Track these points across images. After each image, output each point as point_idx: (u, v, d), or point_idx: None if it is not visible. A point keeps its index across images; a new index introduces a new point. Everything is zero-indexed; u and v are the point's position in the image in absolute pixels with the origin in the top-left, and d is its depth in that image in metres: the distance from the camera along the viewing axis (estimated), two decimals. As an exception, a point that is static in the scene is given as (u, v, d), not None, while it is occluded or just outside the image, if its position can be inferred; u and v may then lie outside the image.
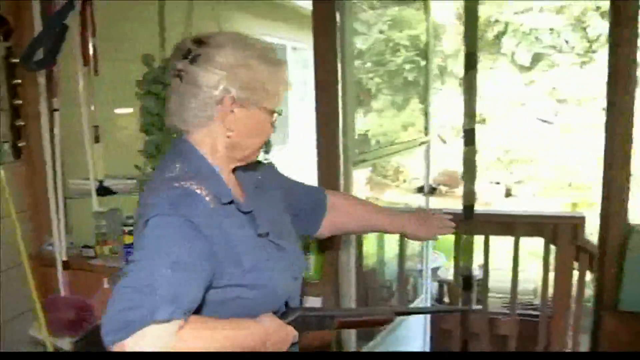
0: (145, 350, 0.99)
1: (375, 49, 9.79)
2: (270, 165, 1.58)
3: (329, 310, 1.68)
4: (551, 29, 9.29)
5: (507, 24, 9.42)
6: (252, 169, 1.40)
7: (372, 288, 3.67)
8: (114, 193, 2.70)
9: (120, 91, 2.78)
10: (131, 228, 2.46)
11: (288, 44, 6.06)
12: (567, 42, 9.38)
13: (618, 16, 2.12)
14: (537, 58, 9.93)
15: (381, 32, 9.38)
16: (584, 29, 9.18)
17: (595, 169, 8.74)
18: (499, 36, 9.49)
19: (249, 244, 1.23)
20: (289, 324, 1.28)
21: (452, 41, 9.83)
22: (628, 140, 2.15)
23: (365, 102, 10.33)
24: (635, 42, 2.10)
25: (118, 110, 3.32)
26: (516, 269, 3.04)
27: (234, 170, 1.32)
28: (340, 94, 2.38)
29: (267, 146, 2.24)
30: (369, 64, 10.16)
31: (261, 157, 1.68)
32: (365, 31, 8.23)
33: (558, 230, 3.04)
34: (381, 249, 3.52)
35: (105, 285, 2.51)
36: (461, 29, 10.20)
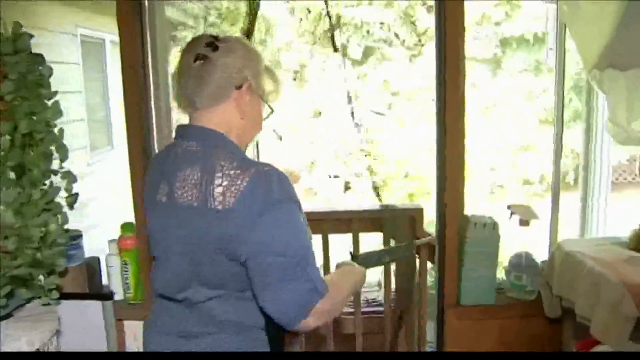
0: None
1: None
2: None
3: (380, 250, 1.90)
4: (382, 23, 9.48)
5: (338, 18, 9.48)
6: None
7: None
8: None
9: None
10: None
11: (107, 37, 5.48)
12: (397, 35, 9.63)
13: (444, 10, 2.02)
14: (368, 52, 10.11)
15: (211, 25, 9.03)
16: (413, 22, 9.48)
17: (428, 159, 9.11)
18: (328, 30, 9.52)
19: None
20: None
21: (285, 35, 9.71)
22: (460, 132, 2.06)
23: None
24: (463, 35, 2.02)
25: None
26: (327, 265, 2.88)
27: None
28: (152, 91, 2.16)
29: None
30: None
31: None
32: (193, 24, 7.86)
33: (396, 223, 2.95)
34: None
35: None
36: (294, 23, 10.25)
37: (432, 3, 9.39)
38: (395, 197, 8.72)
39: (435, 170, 2.16)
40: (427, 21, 9.53)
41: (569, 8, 1.98)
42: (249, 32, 3.17)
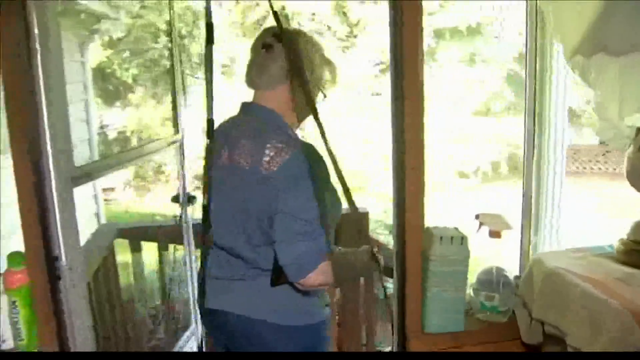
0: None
1: (133, 36, 8.86)
2: None
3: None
4: (313, 14, 9.17)
5: (268, 9, 9.07)
6: None
7: (132, 322, 3.06)
8: None
9: None
10: None
11: None
12: (329, 27, 9.35)
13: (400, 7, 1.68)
14: (300, 44, 9.76)
15: (138, 16, 8.46)
16: (344, 13, 9.22)
17: (364, 153, 8.89)
18: (260, 21, 9.12)
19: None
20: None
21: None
22: (420, 134, 1.73)
23: (122, 95, 9.34)
24: (421, 24, 1.69)
25: None
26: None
27: None
28: (43, 94, 1.70)
29: None
30: (127, 53, 9.20)
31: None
32: (115, 15, 7.31)
33: (341, 227, 2.65)
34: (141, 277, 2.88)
35: None
36: (223, 13, 9.77)
37: (364, -7, 9.30)
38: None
39: (392, 177, 1.82)
40: (359, 12, 9.30)
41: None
42: (170, 24, 2.77)
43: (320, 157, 1.59)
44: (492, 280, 1.90)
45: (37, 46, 1.72)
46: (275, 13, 1.77)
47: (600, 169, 12.58)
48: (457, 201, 8.87)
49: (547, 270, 1.71)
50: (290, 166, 1.54)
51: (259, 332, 1.69)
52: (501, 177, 10.89)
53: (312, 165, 1.55)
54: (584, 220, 7.53)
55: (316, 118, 1.58)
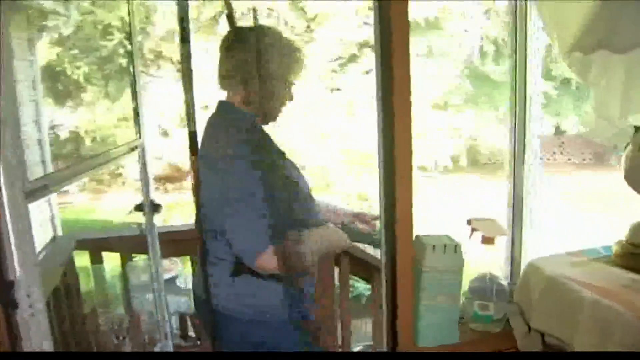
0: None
1: (83, 33, 8.50)
2: None
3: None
4: (270, 9, 8.98)
5: (223, 4, 8.84)
6: None
7: (95, 339, 2.88)
8: None
9: None
10: None
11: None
12: (286, 22, 9.17)
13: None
14: (257, 39, 9.57)
15: (88, 12, 8.12)
16: (302, 8, 9.06)
17: (326, 148, 8.77)
18: (216, 17, 8.88)
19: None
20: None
21: (167, 23, 8.94)
22: (409, 140, 1.60)
23: (74, 94, 8.98)
24: (408, 17, 1.56)
25: None
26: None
27: None
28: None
29: None
30: (77, 51, 8.83)
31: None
32: (64, 11, 6.99)
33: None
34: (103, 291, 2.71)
35: None
36: (174, 8, 9.48)
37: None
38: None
39: (379, 185, 1.69)
40: (317, 6, 9.16)
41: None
42: (129, 21, 2.60)
43: (264, 144, 1.74)
44: (486, 288, 1.81)
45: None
46: (229, 14, 1.77)
47: (556, 159, 12.80)
48: (420, 195, 8.85)
49: (546, 277, 1.62)
50: (231, 154, 1.65)
51: (217, 320, 1.80)
52: (462, 170, 10.97)
53: (255, 153, 1.66)
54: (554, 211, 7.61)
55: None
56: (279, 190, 1.69)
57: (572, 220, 8.68)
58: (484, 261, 2.01)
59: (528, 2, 1.87)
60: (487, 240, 1.75)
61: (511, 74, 1.96)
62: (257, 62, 1.77)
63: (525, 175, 1.96)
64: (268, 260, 1.63)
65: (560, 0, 1.53)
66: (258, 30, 1.81)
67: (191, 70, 1.50)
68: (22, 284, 1.56)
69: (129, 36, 2.64)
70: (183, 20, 1.46)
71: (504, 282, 1.84)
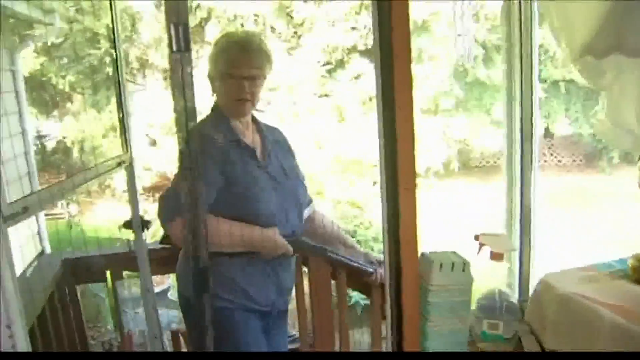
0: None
1: (69, 42, 8.38)
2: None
3: (324, 246, 2.14)
4: (256, 15, 8.89)
5: (210, 10, 8.75)
6: (273, 130, 2.15)
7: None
8: None
9: None
10: None
11: None
12: (273, 29, 9.08)
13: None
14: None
15: (74, 21, 8.00)
16: (289, 14, 8.98)
17: (316, 155, 8.68)
18: (202, 23, 8.78)
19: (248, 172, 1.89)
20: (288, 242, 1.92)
21: (153, 31, 8.83)
22: (413, 149, 1.51)
23: (59, 104, 8.85)
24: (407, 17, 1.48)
25: None
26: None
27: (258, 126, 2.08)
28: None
29: None
30: (64, 60, 8.70)
31: None
32: (51, 21, 6.86)
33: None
34: (92, 312, 2.58)
35: None
36: (161, 16, 9.36)
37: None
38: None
39: (382, 198, 1.59)
40: (304, 12, 9.08)
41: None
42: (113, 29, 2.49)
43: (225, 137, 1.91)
44: (495, 306, 1.72)
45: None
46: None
47: (546, 161, 12.78)
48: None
49: (560, 296, 1.54)
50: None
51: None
52: (453, 175, 10.90)
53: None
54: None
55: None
56: (224, 179, 1.84)
57: (570, 224, 8.66)
58: (485, 274, 1.93)
59: (522, 3, 1.81)
60: (496, 257, 1.66)
61: (507, 76, 1.90)
62: (210, 64, 2.02)
63: (530, 183, 1.88)
64: (177, 227, 1.75)
65: (569, 2, 1.45)
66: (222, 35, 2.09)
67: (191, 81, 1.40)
68: (2, 315, 1.46)
69: (114, 44, 2.54)
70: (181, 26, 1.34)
71: (514, 299, 1.75)
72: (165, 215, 1.82)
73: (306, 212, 2.18)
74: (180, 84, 1.40)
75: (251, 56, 1.94)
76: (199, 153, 1.65)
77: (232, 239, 1.81)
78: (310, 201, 2.22)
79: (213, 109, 2.03)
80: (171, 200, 1.80)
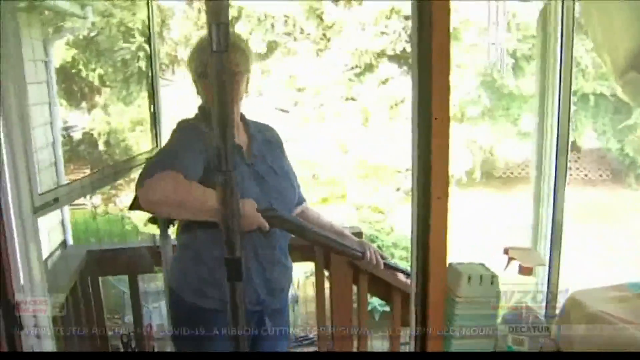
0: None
1: (104, 35, 8.47)
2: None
3: (307, 224, 2.08)
4: (286, 16, 8.92)
5: (240, 10, 8.81)
6: (266, 129, 2.15)
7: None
8: None
9: None
10: None
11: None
12: (302, 30, 9.11)
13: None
14: (272, 46, 9.55)
15: (108, 14, 8.09)
16: (319, 16, 9.00)
17: (339, 158, 8.68)
18: (232, 21, 8.84)
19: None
20: (264, 216, 1.85)
21: (184, 27, 8.92)
22: (446, 159, 1.50)
23: (88, 97, 8.96)
24: (449, 24, 1.46)
25: None
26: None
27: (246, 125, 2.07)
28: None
29: None
30: (94, 53, 8.79)
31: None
32: (80, 13, 6.95)
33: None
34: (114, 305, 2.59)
35: None
36: (191, 12, 9.44)
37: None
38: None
39: (412, 207, 1.58)
40: (334, 14, 9.09)
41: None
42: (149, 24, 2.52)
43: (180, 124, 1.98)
44: (521, 321, 1.69)
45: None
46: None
47: (571, 175, 12.61)
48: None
49: (589, 314, 1.51)
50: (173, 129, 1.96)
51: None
52: (475, 184, 10.83)
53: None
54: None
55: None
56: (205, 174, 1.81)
57: (595, 240, 8.54)
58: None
59: (563, 15, 1.79)
60: (525, 271, 1.64)
61: (540, 87, 1.88)
62: (189, 66, 2.04)
63: (563, 198, 1.85)
64: (154, 185, 1.72)
65: (614, 18, 1.42)
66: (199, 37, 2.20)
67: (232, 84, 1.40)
68: (29, 304, 1.48)
69: (149, 39, 2.56)
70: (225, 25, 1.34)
71: (541, 315, 1.72)
72: (144, 174, 1.76)
73: (298, 209, 2.17)
74: (219, 83, 1.40)
75: (228, 54, 1.92)
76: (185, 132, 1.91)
77: (204, 205, 1.73)
78: (303, 200, 2.21)
79: (199, 109, 2.02)
80: (152, 165, 1.79)
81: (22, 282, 1.47)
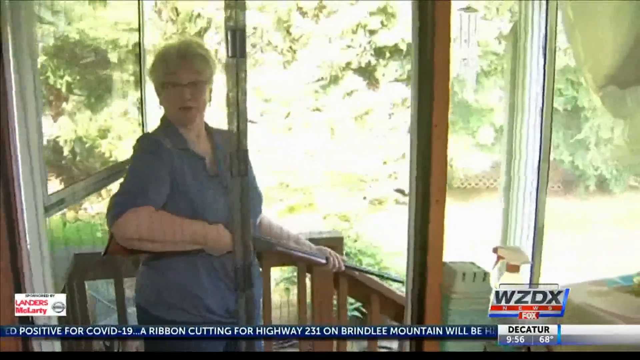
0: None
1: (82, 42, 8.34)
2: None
3: (273, 240, 2.15)
4: (254, 28, 8.98)
5: (209, 20, 8.84)
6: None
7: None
8: None
9: None
10: None
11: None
12: (269, 42, 9.19)
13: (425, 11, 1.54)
14: (240, 57, 9.56)
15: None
16: (287, 29, 9.09)
17: (310, 168, 8.75)
18: (201, 32, 8.86)
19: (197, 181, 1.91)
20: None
21: (152, 38, 8.87)
22: (445, 163, 1.60)
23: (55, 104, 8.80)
24: (450, 37, 1.56)
25: None
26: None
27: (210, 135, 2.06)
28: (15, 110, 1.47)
29: None
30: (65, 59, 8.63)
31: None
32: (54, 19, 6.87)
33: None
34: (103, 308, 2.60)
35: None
36: (162, 24, 9.39)
37: (308, 6, 9.18)
38: (274, 211, 8.24)
39: (409, 210, 1.68)
40: (302, 27, 9.19)
41: (574, 11, 1.59)
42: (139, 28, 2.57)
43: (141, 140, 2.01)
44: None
45: (10, 56, 1.50)
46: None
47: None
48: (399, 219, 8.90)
49: (574, 307, 1.63)
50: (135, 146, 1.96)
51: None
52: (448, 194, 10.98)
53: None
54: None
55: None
56: (171, 186, 1.86)
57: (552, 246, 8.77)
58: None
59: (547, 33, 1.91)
60: (512, 269, 1.76)
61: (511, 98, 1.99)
62: (150, 76, 2.11)
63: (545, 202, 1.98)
64: (126, 220, 1.74)
65: (596, 35, 1.55)
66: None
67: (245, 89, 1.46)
68: (39, 304, 1.51)
69: (139, 44, 2.61)
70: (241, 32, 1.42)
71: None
72: (115, 209, 1.76)
73: (257, 220, 2.16)
74: (235, 88, 1.47)
75: (188, 62, 1.92)
76: (148, 155, 1.90)
77: (176, 234, 1.79)
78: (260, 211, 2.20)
79: (162, 120, 2.02)
80: (120, 197, 1.80)
81: (33, 281, 1.51)
